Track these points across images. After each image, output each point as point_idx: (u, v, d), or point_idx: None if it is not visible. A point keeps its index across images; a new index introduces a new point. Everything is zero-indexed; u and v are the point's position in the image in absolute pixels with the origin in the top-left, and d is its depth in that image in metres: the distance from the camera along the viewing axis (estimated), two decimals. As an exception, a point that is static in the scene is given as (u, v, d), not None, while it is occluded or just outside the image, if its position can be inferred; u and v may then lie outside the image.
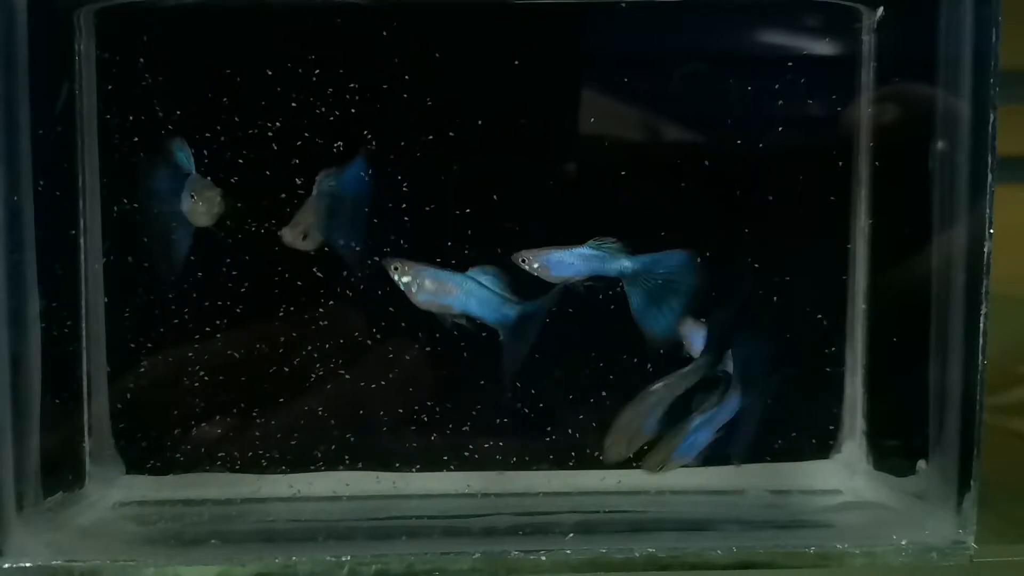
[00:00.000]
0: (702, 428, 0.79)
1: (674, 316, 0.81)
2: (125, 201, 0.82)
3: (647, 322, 0.81)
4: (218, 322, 0.83)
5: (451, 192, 0.83)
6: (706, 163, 0.84)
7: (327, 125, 0.81)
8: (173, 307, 0.83)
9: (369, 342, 0.83)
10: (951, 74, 0.76)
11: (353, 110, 0.81)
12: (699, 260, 0.80)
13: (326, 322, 0.83)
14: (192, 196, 0.79)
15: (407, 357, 0.83)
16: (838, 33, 0.83)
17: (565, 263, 0.80)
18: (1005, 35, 0.74)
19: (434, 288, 0.79)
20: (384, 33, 0.80)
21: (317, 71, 0.80)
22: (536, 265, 0.80)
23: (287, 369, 0.83)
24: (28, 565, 0.72)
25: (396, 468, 0.83)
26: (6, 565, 0.72)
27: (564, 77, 0.83)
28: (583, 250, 0.80)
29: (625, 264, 0.80)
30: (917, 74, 0.79)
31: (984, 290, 0.75)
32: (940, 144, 0.78)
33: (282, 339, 0.83)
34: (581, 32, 0.83)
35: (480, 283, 0.79)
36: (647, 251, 0.80)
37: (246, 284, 0.83)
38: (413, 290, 0.79)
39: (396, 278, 0.79)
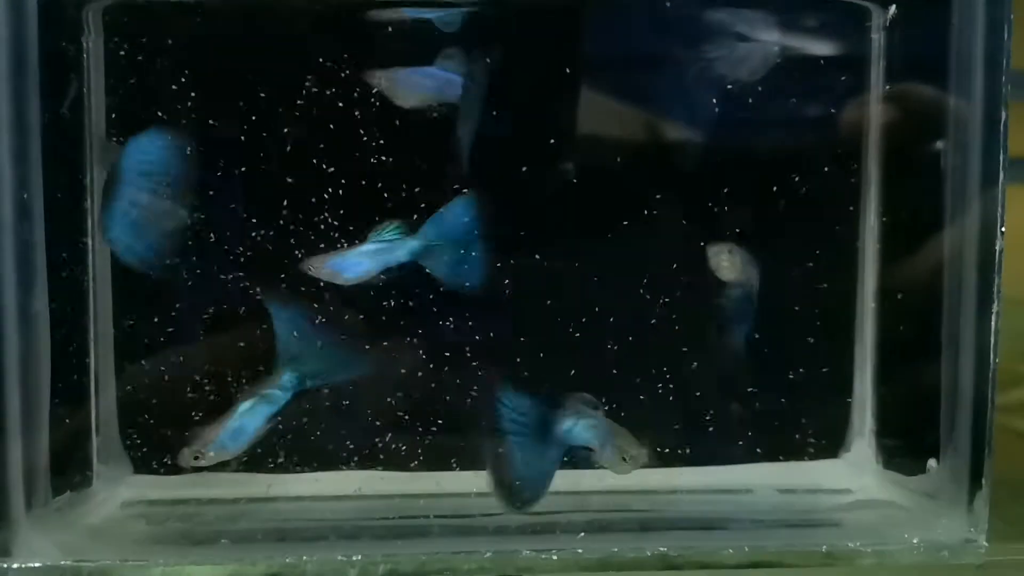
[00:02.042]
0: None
1: (480, 262, 0.80)
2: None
3: (459, 281, 0.80)
4: (226, 320, 0.83)
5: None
6: (714, 161, 0.84)
7: (340, 122, 0.80)
8: (181, 306, 0.83)
9: (378, 340, 0.83)
10: (962, 73, 0.76)
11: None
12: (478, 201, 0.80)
13: (336, 319, 0.83)
14: None
15: (414, 358, 0.83)
16: (848, 32, 0.83)
17: (352, 264, 0.79)
18: (1016, 33, 0.74)
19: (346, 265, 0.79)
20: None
21: (330, 67, 0.80)
22: (325, 271, 0.78)
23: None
24: (37, 565, 0.72)
25: (408, 468, 0.83)
26: (15, 565, 0.72)
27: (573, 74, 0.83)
28: (366, 247, 0.79)
29: (411, 245, 0.78)
30: (928, 73, 0.79)
31: (995, 288, 0.75)
32: (951, 143, 0.77)
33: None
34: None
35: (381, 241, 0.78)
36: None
37: (255, 282, 0.82)
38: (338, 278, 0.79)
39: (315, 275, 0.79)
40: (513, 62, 0.81)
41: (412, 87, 0.79)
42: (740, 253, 0.82)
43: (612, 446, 0.78)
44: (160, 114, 0.81)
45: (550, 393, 0.80)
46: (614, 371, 0.84)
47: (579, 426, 0.78)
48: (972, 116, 0.75)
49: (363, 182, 0.81)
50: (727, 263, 0.82)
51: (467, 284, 0.80)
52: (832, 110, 0.84)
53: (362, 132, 0.81)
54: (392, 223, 0.79)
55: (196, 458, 0.78)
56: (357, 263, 0.78)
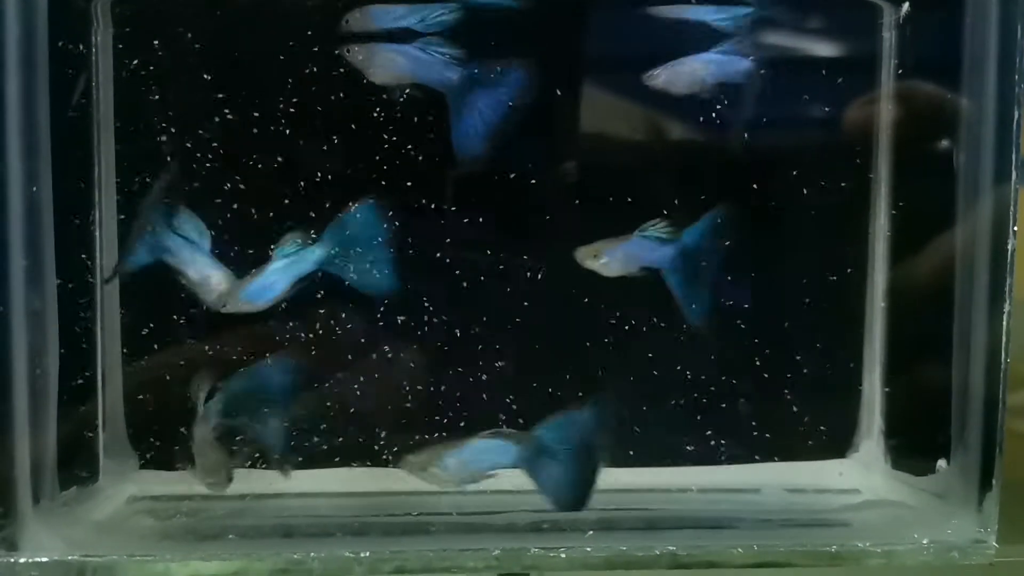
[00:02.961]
0: None
1: (385, 265, 0.78)
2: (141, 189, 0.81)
3: (370, 287, 0.79)
4: (233, 316, 0.82)
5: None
6: (725, 160, 0.83)
7: (346, 120, 0.80)
8: (187, 301, 0.82)
9: (383, 339, 0.83)
10: (975, 72, 0.76)
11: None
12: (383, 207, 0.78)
13: (340, 317, 0.82)
14: None
15: (419, 355, 0.83)
16: (860, 30, 0.83)
17: (268, 286, 0.78)
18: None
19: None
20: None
21: (339, 66, 0.80)
22: (242, 302, 0.78)
23: (303, 363, 0.83)
24: (44, 560, 0.72)
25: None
26: (23, 559, 0.72)
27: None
28: (276, 264, 0.78)
29: (316, 253, 0.78)
30: (940, 71, 0.79)
31: (1008, 288, 0.75)
32: (963, 141, 0.77)
33: (296, 334, 0.83)
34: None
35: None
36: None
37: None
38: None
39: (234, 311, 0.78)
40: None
41: (387, 64, 0.78)
42: (618, 249, 0.79)
43: None
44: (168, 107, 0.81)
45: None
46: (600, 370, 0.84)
47: None
48: (985, 115, 0.75)
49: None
50: (602, 267, 0.79)
51: (379, 289, 0.79)
52: (843, 109, 0.83)
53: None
54: (292, 235, 0.78)
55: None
56: (272, 283, 0.78)
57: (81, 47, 0.79)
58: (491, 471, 0.77)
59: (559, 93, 0.82)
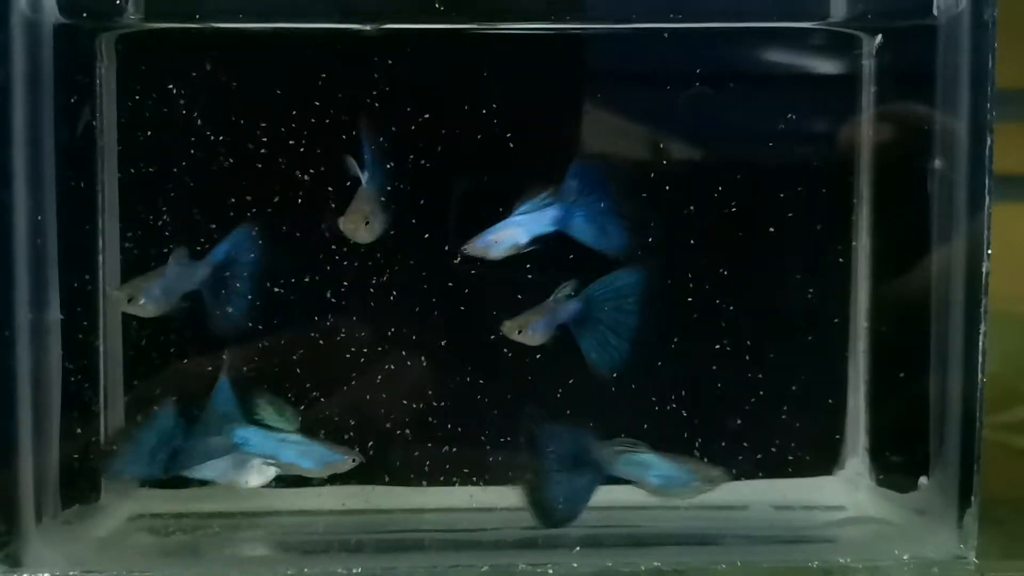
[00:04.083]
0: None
1: (252, 293, 0.80)
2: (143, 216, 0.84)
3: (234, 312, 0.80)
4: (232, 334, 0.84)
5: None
6: (710, 180, 0.85)
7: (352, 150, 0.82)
8: (188, 321, 0.84)
9: (383, 353, 0.84)
10: (949, 96, 0.78)
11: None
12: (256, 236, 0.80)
13: (340, 335, 0.84)
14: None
15: (414, 370, 0.84)
16: (840, 58, 0.85)
17: (156, 295, 0.78)
18: (1005, 54, 0.76)
19: None
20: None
21: (339, 95, 0.82)
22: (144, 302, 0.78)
23: (302, 381, 0.84)
24: (46, 576, 0.74)
25: (407, 482, 0.84)
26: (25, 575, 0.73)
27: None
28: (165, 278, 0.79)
29: (202, 272, 0.79)
30: (916, 96, 0.81)
31: (983, 308, 0.76)
32: (938, 163, 0.79)
33: (298, 351, 0.84)
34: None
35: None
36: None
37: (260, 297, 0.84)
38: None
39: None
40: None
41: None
42: (540, 322, 0.79)
43: (687, 474, 0.79)
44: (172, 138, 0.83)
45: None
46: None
47: (624, 461, 0.79)
48: (959, 139, 0.77)
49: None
50: (528, 339, 0.79)
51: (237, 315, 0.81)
52: (824, 132, 0.86)
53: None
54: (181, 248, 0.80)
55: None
56: (160, 293, 0.78)
57: (86, 79, 0.82)
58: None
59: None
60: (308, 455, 0.77)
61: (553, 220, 0.78)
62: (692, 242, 0.85)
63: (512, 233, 0.78)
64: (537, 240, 0.79)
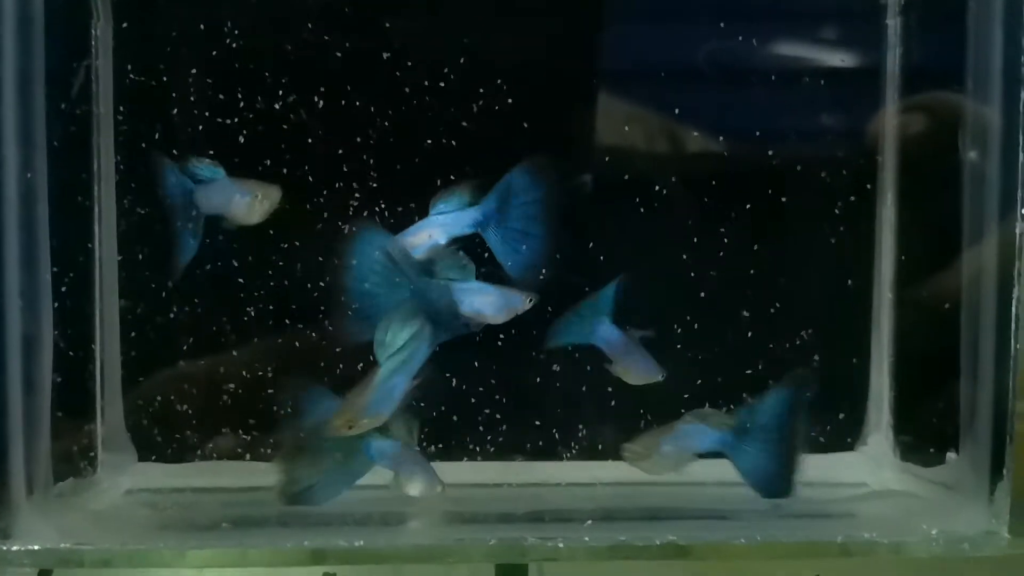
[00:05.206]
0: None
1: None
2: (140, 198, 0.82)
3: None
4: (230, 313, 0.83)
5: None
6: (737, 169, 0.84)
7: (350, 107, 0.80)
8: (186, 295, 0.83)
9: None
10: (980, 84, 0.74)
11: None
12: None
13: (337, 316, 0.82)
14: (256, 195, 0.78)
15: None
16: (863, 45, 0.83)
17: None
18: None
19: None
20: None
21: (338, 52, 0.80)
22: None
23: (299, 358, 0.83)
24: (36, 548, 0.71)
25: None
26: (15, 548, 0.71)
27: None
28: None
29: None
30: (944, 85, 0.79)
31: (1016, 273, 0.73)
32: (970, 150, 0.76)
33: (293, 330, 0.83)
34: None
35: None
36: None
37: (257, 280, 0.83)
38: None
39: None
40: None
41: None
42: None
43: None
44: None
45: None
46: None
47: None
48: (991, 126, 0.74)
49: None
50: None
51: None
52: (853, 119, 0.84)
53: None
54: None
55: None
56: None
57: (81, 38, 0.79)
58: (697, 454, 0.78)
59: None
60: (487, 303, 0.75)
61: (473, 223, 0.76)
62: (714, 214, 0.83)
63: (431, 235, 0.76)
64: (458, 240, 0.77)
